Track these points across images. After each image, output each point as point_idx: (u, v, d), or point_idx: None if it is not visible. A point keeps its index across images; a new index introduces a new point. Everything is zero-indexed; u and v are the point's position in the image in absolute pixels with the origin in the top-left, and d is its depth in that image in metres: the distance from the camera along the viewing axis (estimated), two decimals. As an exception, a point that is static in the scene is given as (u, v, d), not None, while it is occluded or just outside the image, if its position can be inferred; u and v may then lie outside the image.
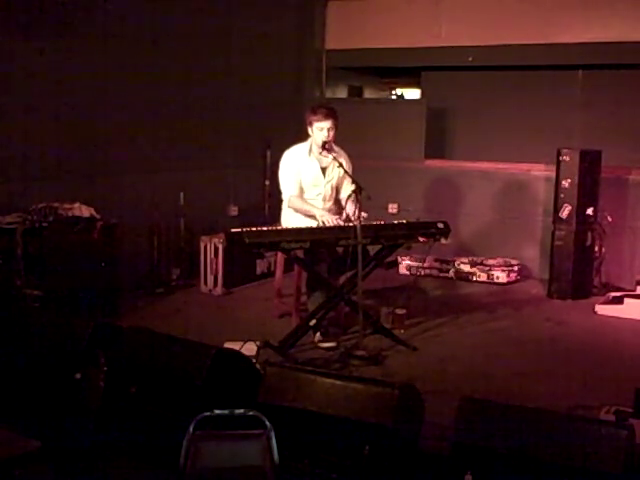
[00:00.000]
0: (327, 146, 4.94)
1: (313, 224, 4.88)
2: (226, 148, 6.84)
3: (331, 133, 4.96)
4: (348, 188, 5.08)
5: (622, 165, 6.61)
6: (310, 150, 5.08)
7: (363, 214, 4.63)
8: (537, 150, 7.03)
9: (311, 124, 4.98)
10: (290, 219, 5.14)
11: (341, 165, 4.89)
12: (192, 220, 6.41)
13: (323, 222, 4.83)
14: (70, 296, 4.80)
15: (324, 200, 5.17)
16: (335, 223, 4.82)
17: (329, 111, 4.97)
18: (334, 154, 4.97)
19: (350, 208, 4.93)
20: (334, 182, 5.18)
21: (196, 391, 3.21)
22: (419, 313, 5.51)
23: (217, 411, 2.80)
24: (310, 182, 5.12)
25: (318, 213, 4.94)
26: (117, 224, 5.25)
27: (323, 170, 5.14)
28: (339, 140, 5.14)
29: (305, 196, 5.13)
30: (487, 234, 7.21)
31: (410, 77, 8.96)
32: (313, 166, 5.10)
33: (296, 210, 5.10)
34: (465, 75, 7.87)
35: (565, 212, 6.21)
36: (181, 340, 3.59)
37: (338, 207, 5.27)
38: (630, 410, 3.41)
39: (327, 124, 4.93)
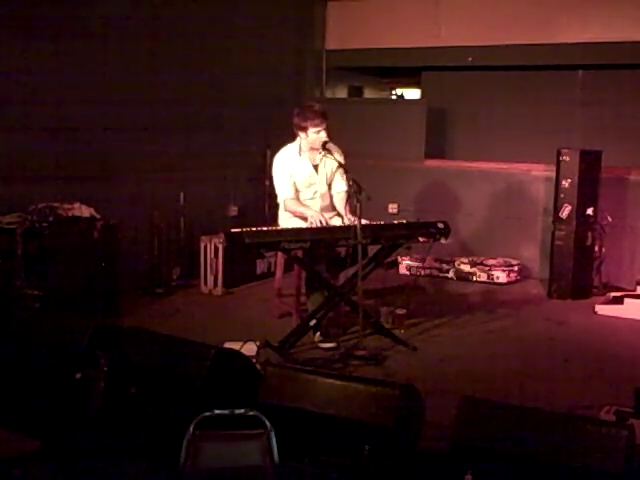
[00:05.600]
0: (327, 146, 4.94)
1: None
2: (226, 148, 6.83)
3: (326, 132, 4.95)
4: (340, 183, 5.08)
5: (622, 165, 6.61)
6: (300, 150, 5.06)
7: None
8: (537, 150, 7.03)
9: (305, 129, 4.93)
10: (287, 223, 5.10)
11: (341, 166, 4.87)
12: (192, 220, 6.41)
13: (312, 222, 4.81)
14: (70, 296, 4.80)
15: (322, 198, 5.16)
16: (325, 222, 4.81)
17: (323, 113, 4.94)
18: (324, 152, 4.96)
19: (345, 209, 4.94)
20: (327, 177, 5.17)
21: (196, 391, 3.21)
22: (419, 313, 5.51)
23: (217, 411, 2.80)
24: (304, 182, 5.11)
25: (309, 213, 4.92)
26: (117, 224, 5.25)
27: (315, 168, 5.13)
28: (339, 139, 5.14)
29: (302, 197, 5.12)
30: (487, 234, 7.21)
31: (410, 77, 8.95)
32: (305, 166, 5.09)
33: (292, 213, 5.09)
34: (465, 75, 7.87)
35: (565, 212, 6.21)
36: (181, 340, 3.58)
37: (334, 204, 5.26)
38: (630, 410, 3.41)
39: (324, 125, 4.92)
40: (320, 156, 5.02)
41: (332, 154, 4.93)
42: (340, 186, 5.12)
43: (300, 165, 5.08)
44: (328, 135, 4.99)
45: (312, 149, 5.00)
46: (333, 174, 5.17)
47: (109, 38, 5.69)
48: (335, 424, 3.04)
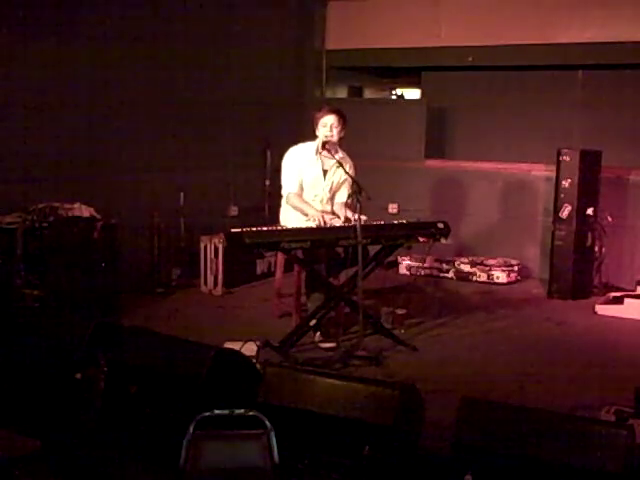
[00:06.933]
0: (327, 146, 4.93)
1: (311, 223, 4.87)
2: (226, 148, 6.84)
3: (335, 130, 4.95)
4: (344, 195, 5.08)
5: (622, 165, 6.61)
6: (317, 150, 5.06)
7: (363, 217, 4.67)
8: (537, 150, 7.03)
9: (317, 121, 4.98)
10: (289, 216, 5.13)
11: (341, 165, 4.88)
12: (192, 220, 6.41)
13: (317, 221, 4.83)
14: (70, 296, 4.80)
15: (321, 202, 5.15)
16: (325, 222, 4.81)
17: (334, 108, 5.00)
18: (338, 157, 4.97)
19: (349, 213, 4.94)
20: (333, 186, 5.17)
21: (196, 391, 3.21)
22: (419, 313, 5.51)
23: (217, 411, 2.80)
24: (310, 182, 5.11)
25: (311, 212, 4.93)
26: (117, 224, 5.25)
27: (324, 172, 5.13)
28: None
29: (304, 196, 5.12)
30: (487, 234, 7.21)
31: (410, 77, 8.95)
32: (316, 166, 5.09)
33: (294, 208, 5.10)
34: (465, 75, 7.86)
35: (565, 212, 6.21)
36: (181, 340, 3.59)
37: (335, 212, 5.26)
38: (630, 410, 3.41)
39: (330, 119, 4.93)
40: (332, 162, 5.01)
41: (331, 154, 4.94)
42: (342, 198, 5.14)
43: (311, 165, 5.08)
44: (340, 142, 5.04)
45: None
46: (339, 185, 5.16)
47: (109, 39, 5.68)
48: (335, 424, 3.04)
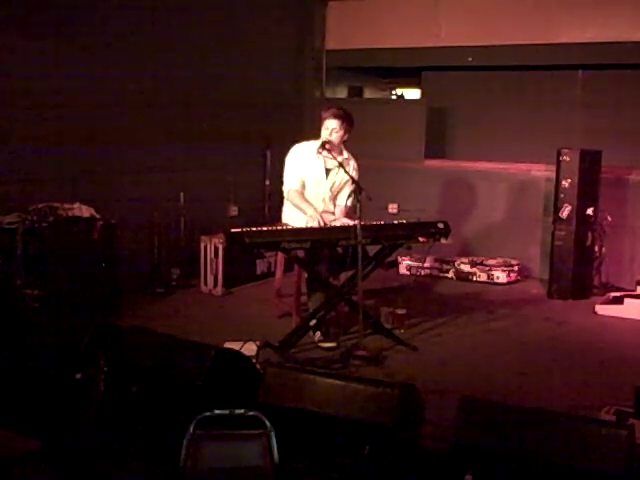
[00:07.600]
0: (327, 146, 4.94)
1: (312, 223, 4.87)
2: (226, 148, 6.83)
3: (334, 135, 4.96)
4: (345, 197, 5.09)
5: (622, 165, 6.61)
6: (317, 150, 5.06)
7: (348, 221, 4.72)
8: (537, 150, 7.03)
9: (322, 121, 5.02)
10: (291, 215, 5.15)
11: (342, 166, 4.89)
12: (192, 220, 6.41)
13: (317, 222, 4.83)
14: (70, 296, 4.80)
15: (323, 201, 5.16)
16: (323, 223, 4.82)
17: (339, 112, 5.00)
18: (341, 158, 4.97)
19: (345, 220, 4.96)
20: (335, 186, 5.17)
21: (196, 391, 3.21)
22: (419, 313, 5.51)
23: (217, 411, 2.80)
24: (312, 181, 5.11)
25: (309, 212, 4.94)
26: (117, 224, 5.25)
27: (327, 171, 5.13)
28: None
29: (305, 193, 5.12)
30: (487, 234, 7.21)
31: (410, 77, 8.95)
32: (318, 165, 5.09)
33: (294, 205, 5.10)
34: (465, 75, 7.86)
35: (565, 212, 6.21)
36: (181, 340, 3.58)
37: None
38: (630, 410, 3.41)
39: (332, 124, 4.95)
40: (336, 163, 5.00)
41: (345, 164, 4.95)
42: (343, 200, 5.14)
43: (313, 163, 5.08)
44: (345, 145, 5.06)
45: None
46: (341, 186, 5.16)
47: (109, 39, 5.67)
48: (335, 424, 3.04)
